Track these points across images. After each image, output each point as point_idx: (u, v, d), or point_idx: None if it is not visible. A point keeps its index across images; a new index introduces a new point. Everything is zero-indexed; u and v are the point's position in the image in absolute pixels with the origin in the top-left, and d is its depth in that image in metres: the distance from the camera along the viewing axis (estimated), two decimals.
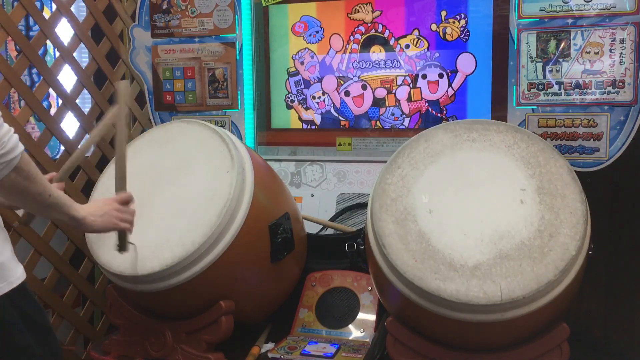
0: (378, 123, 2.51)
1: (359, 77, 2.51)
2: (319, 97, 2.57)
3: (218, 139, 1.92)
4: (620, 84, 2.04)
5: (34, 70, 2.59)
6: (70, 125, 2.43)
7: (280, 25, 2.60)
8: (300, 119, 2.62)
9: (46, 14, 2.43)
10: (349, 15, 2.49)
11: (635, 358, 2.21)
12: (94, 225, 1.54)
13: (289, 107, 2.62)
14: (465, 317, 1.57)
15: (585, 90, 2.08)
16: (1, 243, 1.43)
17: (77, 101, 2.45)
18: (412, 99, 2.46)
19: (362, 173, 2.46)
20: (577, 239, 1.59)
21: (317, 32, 2.55)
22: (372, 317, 2.02)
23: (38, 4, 2.46)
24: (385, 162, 1.86)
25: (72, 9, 2.39)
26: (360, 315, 2.04)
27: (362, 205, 2.36)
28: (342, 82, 2.53)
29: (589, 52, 2.07)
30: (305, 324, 2.07)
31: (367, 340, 1.97)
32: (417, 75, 2.44)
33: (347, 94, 2.53)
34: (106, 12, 2.55)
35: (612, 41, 2.04)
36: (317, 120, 2.59)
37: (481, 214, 1.67)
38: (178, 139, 1.99)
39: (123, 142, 1.71)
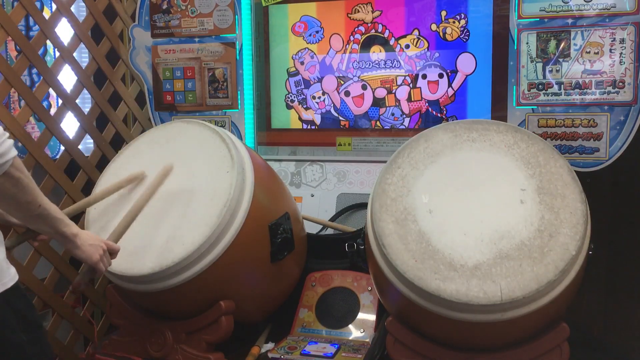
0: (378, 123, 2.51)
1: (359, 77, 2.51)
2: (319, 97, 2.57)
3: (218, 139, 1.92)
4: (620, 84, 2.04)
5: (34, 70, 2.59)
6: (70, 125, 2.43)
7: (280, 25, 2.60)
8: (300, 119, 2.62)
9: (46, 14, 2.43)
10: (349, 15, 2.49)
11: (635, 358, 2.21)
12: (81, 248, 1.50)
13: (289, 107, 2.63)
14: (465, 317, 1.57)
15: (585, 90, 2.08)
16: None
17: (77, 101, 2.45)
18: (412, 99, 2.46)
19: (362, 173, 2.46)
20: (577, 239, 1.59)
21: (317, 32, 2.55)
22: (372, 317, 2.02)
23: (38, 4, 2.45)
24: (385, 162, 1.86)
25: (72, 9, 2.39)
26: (360, 315, 2.04)
27: (362, 205, 2.36)
28: (342, 82, 2.53)
29: (589, 52, 2.07)
30: (305, 324, 2.07)
31: (367, 340, 1.97)
32: (417, 75, 2.44)
33: (347, 94, 2.53)
34: (106, 12, 2.55)
35: (612, 41, 2.04)
36: (317, 120, 2.59)
37: (481, 214, 1.68)
38: (178, 139, 1.99)
39: (143, 203, 1.76)
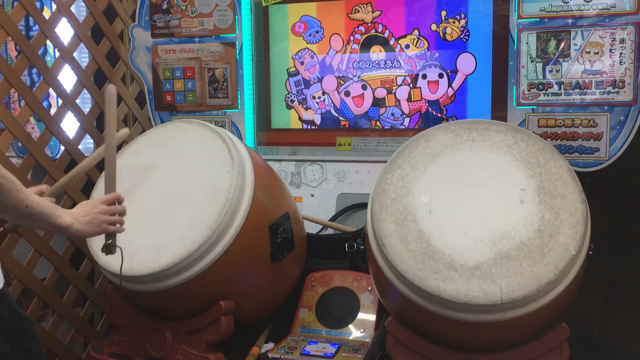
0: (378, 123, 2.51)
1: (359, 77, 2.51)
2: (319, 97, 2.57)
3: (218, 139, 1.92)
4: (620, 84, 2.04)
5: (34, 70, 2.59)
6: (70, 125, 2.43)
7: (280, 25, 2.60)
8: (300, 119, 2.62)
9: (46, 14, 2.43)
10: (349, 15, 2.49)
11: (635, 358, 2.21)
12: (81, 231, 1.49)
13: (289, 107, 2.63)
14: (465, 317, 1.57)
15: (585, 90, 2.08)
16: None
17: (77, 101, 2.45)
18: (412, 99, 2.46)
19: (362, 173, 2.46)
20: (577, 239, 1.59)
21: (317, 32, 2.55)
22: (372, 317, 2.02)
23: (38, 4, 2.46)
24: (385, 162, 1.86)
25: (72, 9, 2.39)
26: (360, 315, 2.04)
27: (362, 205, 2.37)
28: (342, 82, 2.53)
29: (589, 52, 2.07)
30: (305, 324, 2.07)
31: (367, 340, 1.97)
32: (417, 75, 2.44)
33: (347, 94, 2.53)
34: (106, 12, 2.55)
35: (612, 41, 2.04)
36: (317, 120, 2.59)
37: (481, 214, 1.68)
38: (178, 139, 1.99)
39: (113, 143, 1.68)
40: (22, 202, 1.35)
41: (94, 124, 2.51)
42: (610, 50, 2.04)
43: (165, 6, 2.56)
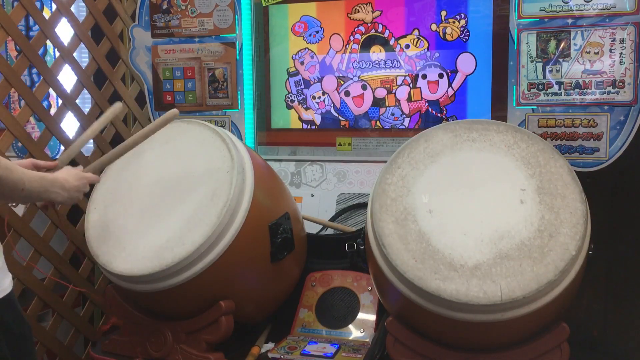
0: (378, 123, 2.51)
1: (359, 77, 2.51)
2: (319, 97, 2.57)
3: (218, 139, 1.92)
4: (620, 84, 2.04)
5: (34, 70, 2.59)
6: (70, 125, 2.43)
7: (280, 25, 2.60)
8: (300, 119, 2.62)
9: (46, 14, 2.43)
10: (349, 15, 2.49)
11: (636, 358, 2.21)
12: (70, 201, 1.62)
13: (289, 107, 2.63)
14: (465, 317, 1.57)
15: (585, 90, 2.08)
16: None
17: (77, 101, 2.45)
18: (412, 99, 2.46)
19: (362, 173, 2.46)
20: (577, 239, 1.59)
21: (317, 32, 2.55)
22: (372, 317, 2.02)
23: (38, 4, 2.46)
24: (385, 162, 1.86)
25: (72, 9, 2.39)
26: (360, 315, 2.04)
27: (362, 205, 2.36)
28: (342, 82, 2.53)
29: (589, 52, 2.07)
30: (305, 324, 2.07)
31: (367, 340, 1.97)
32: (417, 75, 2.44)
33: (347, 94, 2.53)
34: (106, 12, 2.55)
35: (612, 41, 2.04)
36: (317, 120, 2.59)
37: (481, 214, 1.68)
38: (178, 138, 1.99)
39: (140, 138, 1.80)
40: (19, 186, 1.40)
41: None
42: (610, 50, 2.04)
43: (165, 6, 2.56)
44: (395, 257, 1.64)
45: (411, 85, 2.45)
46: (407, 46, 2.44)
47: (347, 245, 2.03)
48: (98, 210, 1.93)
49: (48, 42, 2.39)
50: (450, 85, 2.41)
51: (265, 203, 1.95)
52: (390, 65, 2.47)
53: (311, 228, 2.32)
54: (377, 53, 2.48)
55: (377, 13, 2.47)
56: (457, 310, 1.57)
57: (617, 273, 2.30)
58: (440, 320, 1.61)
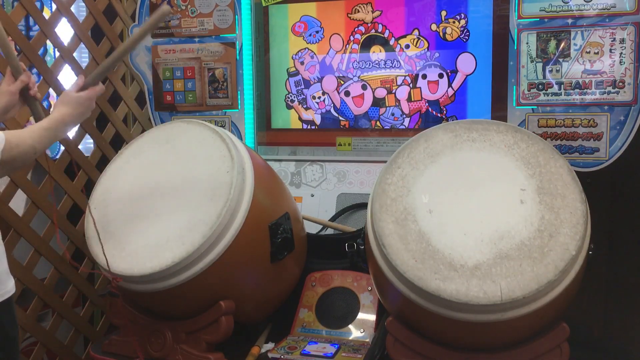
0: (378, 123, 2.51)
1: (359, 77, 2.51)
2: (319, 97, 2.57)
3: (218, 139, 1.92)
4: (620, 84, 2.04)
5: (34, 70, 2.59)
6: None
7: (280, 25, 2.60)
8: (300, 119, 2.62)
9: (46, 14, 2.43)
10: (349, 15, 2.49)
11: (635, 358, 2.21)
12: (77, 122, 1.72)
13: (289, 107, 2.63)
14: (465, 317, 1.57)
15: (585, 90, 2.08)
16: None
17: None
18: (412, 99, 2.46)
19: (362, 173, 2.46)
20: (577, 239, 1.59)
21: (317, 32, 2.55)
22: (372, 317, 2.02)
23: (38, 4, 2.46)
24: (385, 162, 1.86)
25: (72, 9, 2.39)
26: (360, 315, 2.04)
27: (362, 205, 2.36)
28: (342, 82, 2.53)
29: (589, 52, 2.07)
30: (305, 324, 2.07)
31: (367, 340, 1.97)
32: (417, 75, 2.44)
33: (347, 94, 2.53)
34: (106, 12, 2.55)
35: (612, 41, 2.04)
36: (317, 120, 2.59)
37: (481, 214, 1.67)
38: (178, 138, 1.99)
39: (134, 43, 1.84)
40: (32, 152, 1.50)
41: (94, 124, 2.51)
42: (610, 50, 2.04)
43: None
44: (395, 257, 1.64)
45: (411, 85, 2.45)
46: (407, 46, 2.44)
47: (347, 245, 2.03)
48: (98, 210, 1.93)
49: (48, 42, 2.39)
50: (450, 85, 2.41)
51: (265, 203, 1.95)
52: (390, 65, 2.47)
53: (311, 228, 2.32)
54: (377, 53, 2.48)
55: (377, 13, 2.47)
56: (457, 310, 1.57)
57: (617, 273, 2.30)
58: (440, 320, 1.61)
